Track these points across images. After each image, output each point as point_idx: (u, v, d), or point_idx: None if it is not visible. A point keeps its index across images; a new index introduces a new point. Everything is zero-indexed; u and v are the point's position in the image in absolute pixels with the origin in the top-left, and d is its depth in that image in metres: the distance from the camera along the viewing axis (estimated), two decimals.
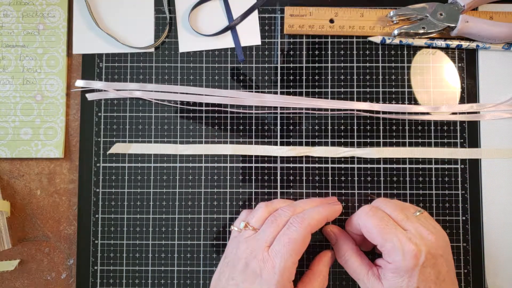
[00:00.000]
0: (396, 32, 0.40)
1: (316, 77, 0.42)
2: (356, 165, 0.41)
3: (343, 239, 0.37)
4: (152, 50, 0.42)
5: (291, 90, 0.42)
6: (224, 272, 0.34)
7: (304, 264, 0.40)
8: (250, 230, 0.35)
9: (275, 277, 0.31)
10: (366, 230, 0.33)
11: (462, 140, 0.41)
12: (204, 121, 0.41)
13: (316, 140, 0.41)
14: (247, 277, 0.32)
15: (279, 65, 0.42)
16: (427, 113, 0.41)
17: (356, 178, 0.41)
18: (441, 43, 0.41)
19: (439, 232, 0.33)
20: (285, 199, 0.40)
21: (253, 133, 0.41)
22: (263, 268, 0.32)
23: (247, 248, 0.33)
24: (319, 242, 0.40)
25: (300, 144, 0.41)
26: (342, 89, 0.41)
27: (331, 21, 0.41)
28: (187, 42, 0.42)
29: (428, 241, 0.32)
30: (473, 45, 0.41)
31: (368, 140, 0.41)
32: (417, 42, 0.41)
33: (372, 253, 0.39)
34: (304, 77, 0.42)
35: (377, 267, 0.34)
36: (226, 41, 0.42)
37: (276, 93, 0.42)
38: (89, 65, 0.42)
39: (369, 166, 0.41)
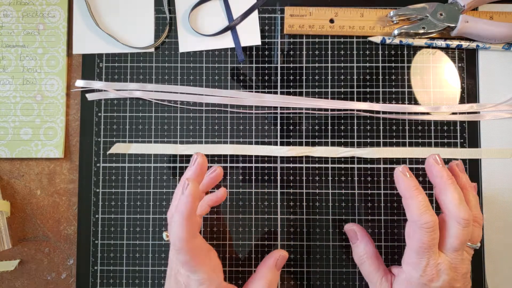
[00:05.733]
0: (396, 32, 0.40)
1: (316, 77, 0.42)
2: (356, 165, 0.41)
3: (364, 241, 0.36)
4: (152, 50, 0.42)
5: (291, 90, 0.42)
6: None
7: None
8: None
9: (179, 233, 0.30)
10: (411, 234, 0.33)
11: (462, 140, 0.41)
12: (204, 121, 0.41)
13: (316, 140, 0.41)
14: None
15: (279, 65, 0.42)
16: (427, 113, 0.41)
17: (356, 178, 0.41)
18: (441, 43, 0.41)
19: (469, 267, 0.33)
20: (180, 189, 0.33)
21: (253, 133, 0.41)
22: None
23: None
24: (323, 242, 0.40)
25: (300, 144, 0.41)
26: (342, 89, 0.41)
27: (331, 21, 0.41)
28: (187, 42, 0.42)
29: (454, 273, 0.32)
30: (473, 45, 0.41)
31: (368, 140, 0.41)
32: (417, 42, 0.41)
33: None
34: (304, 77, 0.42)
35: (391, 275, 0.34)
36: (226, 41, 0.42)
37: (276, 93, 0.42)
38: (89, 65, 0.42)
39: (369, 166, 0.41)
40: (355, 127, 0.41)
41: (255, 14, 0.42)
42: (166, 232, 0.35)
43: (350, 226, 0.38)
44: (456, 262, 0.32)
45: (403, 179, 0.33)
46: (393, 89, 0.41)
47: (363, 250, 0.36)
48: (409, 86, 0.41)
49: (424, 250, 0.31)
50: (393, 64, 0.42)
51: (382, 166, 0.41)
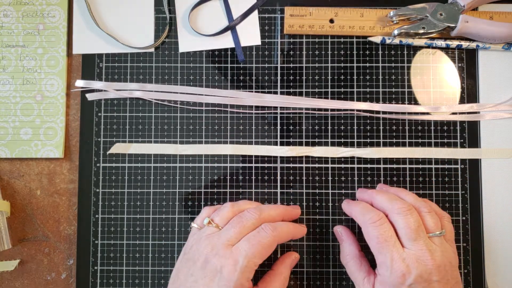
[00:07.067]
0: (396, 32, 0.40)
1: (316, 77, 0.42)
2: (356, 165, 0.41)
3: (348, 242, 0.38)
4: (152, 50, 0.42)
5: (291, 90, 0.42)
6: (182, 268, 0.34)
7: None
8: (213, 227, 0.35)
9: (235, 274, 0.32)
10: (367, 237, 0.34)
11: (462, 140, 0.41)
12: (204, 121, 0.41)
13: (316, 140, 0.41)
14: (207, 274, 0.32)
15: (279, 65, 0.42)
16: (427, 113, 0.41)
17: (356, 178, 0.41)
18: (441, 43, 0.41)
19: (446, 259, 0.32)
20: (251, 201, 0.40)
21: (253, 133, 0.41)
22: (224, 265, 0.32)
23: (208, 244, 0.33)
24: (323, 242, 0.40)
25: (300, 144, 0.41)
26: (342, 89, 0.41)
27: (331, 21, 0.41)
28: (187, 42, 0.42)
29: (424, 265, 0.32)
30: (473, 45, 0.41)
31: (368, 140, 0.41)
32: (417, 42, 0.41)
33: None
34: (304, 77, 0.42)
35: (374, 275, 0.35)
36: (226, 41, 0.42)
37: (276, 93, 0.42)
38: (89, 65, 0.42)
39: (369, 166, 0.41)
40: (355, 127, 0.41)
41: (255, 14, 0.42)
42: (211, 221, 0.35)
43: (337, 228, 0.39)
44: (422, 254, 0.32)
45: (350, 207, 0.37)
46: (393, 89, 0.41)
47: (347, 251, 0.37)
48: (409, 86, 0.41)
49: (381, 244, 0.33)
50: (393, 64, 0.42)
51: (382, 166, 0.41)
